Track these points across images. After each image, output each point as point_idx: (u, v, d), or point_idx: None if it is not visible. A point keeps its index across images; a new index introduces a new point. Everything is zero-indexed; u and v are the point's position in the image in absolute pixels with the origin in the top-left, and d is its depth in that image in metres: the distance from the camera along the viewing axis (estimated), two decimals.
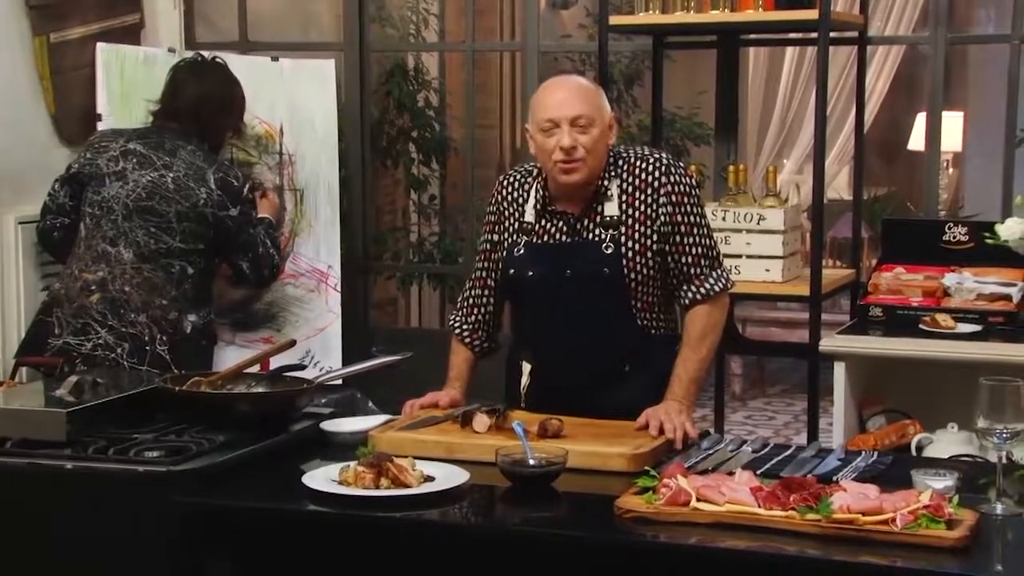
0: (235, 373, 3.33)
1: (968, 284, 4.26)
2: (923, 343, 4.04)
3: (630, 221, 3.32)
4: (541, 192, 3.39)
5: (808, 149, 10.36)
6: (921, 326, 4.13)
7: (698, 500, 2.58)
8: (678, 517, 2.56)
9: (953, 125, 9.62)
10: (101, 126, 4.80)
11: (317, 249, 4.94)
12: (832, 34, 4.37)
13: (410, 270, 6.76)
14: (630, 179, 3.34)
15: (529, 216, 3.41)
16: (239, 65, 4.59)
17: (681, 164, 3.41)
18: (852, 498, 2.50)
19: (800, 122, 10.35)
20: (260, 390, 3.28)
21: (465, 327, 3.57)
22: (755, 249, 4.41)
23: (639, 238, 3.31)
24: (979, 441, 2.63)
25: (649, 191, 3.32)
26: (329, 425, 3.20)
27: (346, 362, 4.75)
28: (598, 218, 3.33)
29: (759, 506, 2.54)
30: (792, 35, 5.37)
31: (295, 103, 4.97)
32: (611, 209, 3.32)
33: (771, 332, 8.02)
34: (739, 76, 4.89)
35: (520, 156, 7.78)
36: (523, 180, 3.47)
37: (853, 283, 4.76)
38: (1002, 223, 4.22)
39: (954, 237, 4.44)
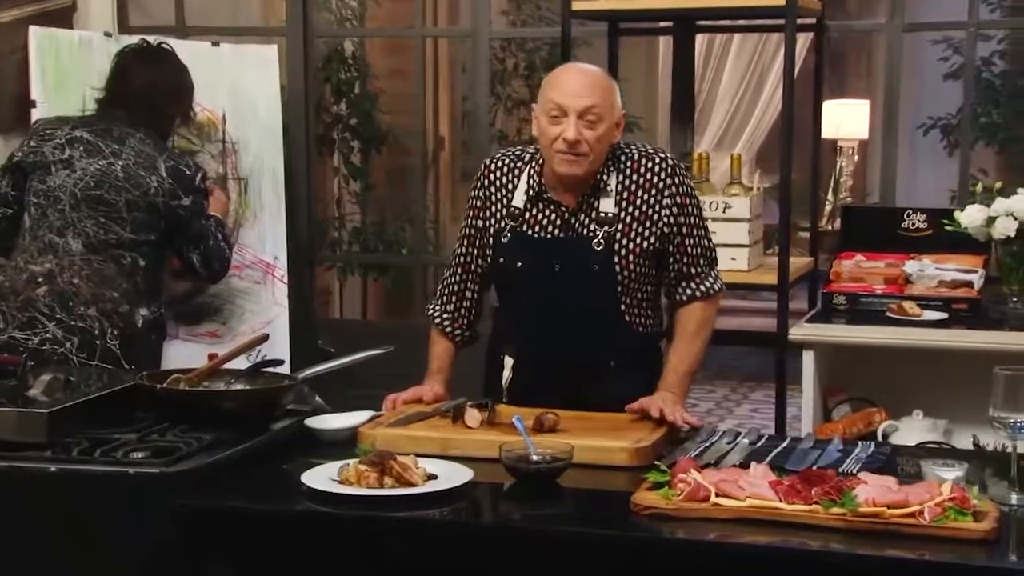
0: (213, 370, 3.21)
1: (929, 271, 4.28)
2: (891, 331, 4.05)
3: (628, 219, 3.23)
4: (536, 179, 3.28)
5: (717, 135, 10.47)
6: (888, 314, 4.13)
7: (717, 495, 2.53)
8: (698, 513, 2.51)
9: (858, 113, 9.74)
10: (36, 113, 4.60)
11: (263, 240, 4.77)
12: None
13: (355, 261, 6.63)
14: (633, 176, 3.25)
15: (519, 201, 3.30)
16: (179, 50, 4.42)
17: (682, 164, 3.36)
18: (876, 491, 2.47)
19: (710, 108, 10.42)
20: (240, 387, 3.17)
21: (446, 316, 3.47)
22: (721, 238, 4.32)
23: (635, 237, 3.23)
24: (993, 430, 2.62)
25: (653, 191, 3.24)
26: (314, 422, 3.11)
27: (294, 355, 4.62)
28: (593, 213, 3.23)
29: (780, 500, 2.50)
30: (749, 21, 5.36)
31: (237, 89, 4.79)
32: (607, 205, 3.23)
33: None
34: (694, 63, 4.82)
35: (443, 144, 7.71)
36: (512, 164, 3.34)
37: (811, 271, 4.76)
38: (962, 210, 4.24)
39: (912, 224, 4.46)
